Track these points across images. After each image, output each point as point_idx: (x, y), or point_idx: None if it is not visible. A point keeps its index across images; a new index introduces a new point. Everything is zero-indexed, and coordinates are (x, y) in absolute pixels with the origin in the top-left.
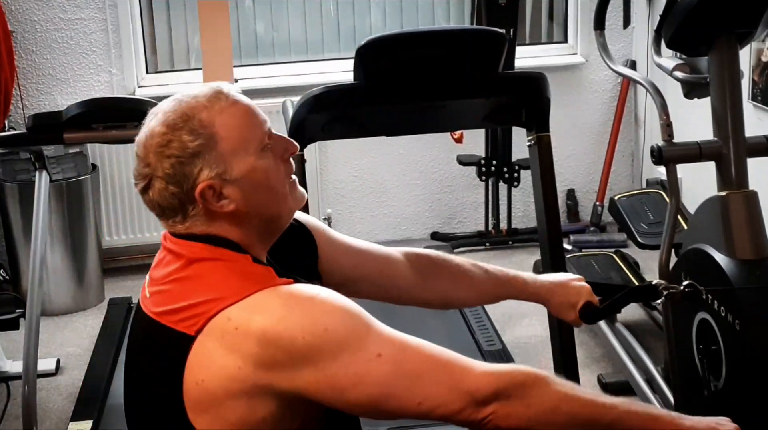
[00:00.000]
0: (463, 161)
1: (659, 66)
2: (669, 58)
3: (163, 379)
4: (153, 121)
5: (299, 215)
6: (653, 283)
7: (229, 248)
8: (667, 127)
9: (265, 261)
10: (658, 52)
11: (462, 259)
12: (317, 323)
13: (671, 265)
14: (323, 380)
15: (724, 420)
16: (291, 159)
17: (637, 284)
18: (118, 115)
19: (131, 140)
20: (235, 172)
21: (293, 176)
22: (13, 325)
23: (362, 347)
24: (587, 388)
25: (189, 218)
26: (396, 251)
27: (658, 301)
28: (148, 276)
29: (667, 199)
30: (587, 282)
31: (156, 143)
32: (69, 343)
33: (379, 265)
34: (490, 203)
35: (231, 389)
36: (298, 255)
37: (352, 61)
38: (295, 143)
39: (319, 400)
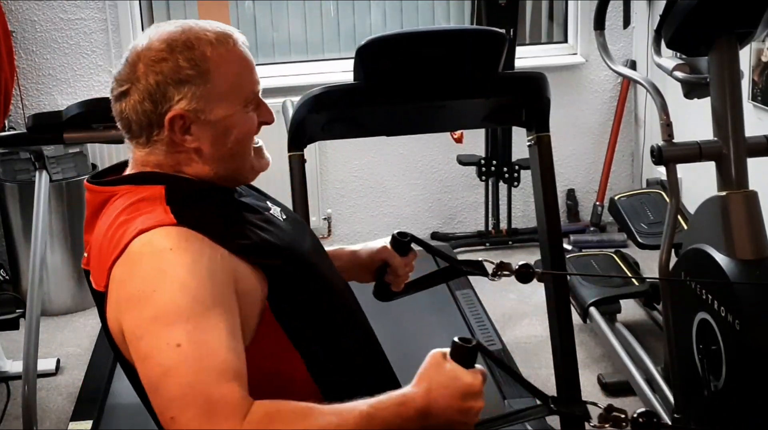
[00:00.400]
0: (463, 161)
1: (659, 66)
2: (669, 58)
3: (110, 344)
4: (154, 35)
5: None
6: (480, 260)
7: (145, 182)
8: (667, 127)
9: None
10: (658, 52)
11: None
12: (152, 280)
13: (671, 265)
14: (130, 336)
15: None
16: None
17: (636, 283)
18: None
19: None
20: (212, 115)
21: (260, 142)
22: (13, 325)
23: (170, 327)
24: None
25: (151, 143)
26: None
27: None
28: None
29: (667, 199)
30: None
31: (151, 56)
32: (69, 343)
33: None
34: (490, 203)
35: (119, 338)
36: None
37: (352, 61)
38: (273, 115)
39: None
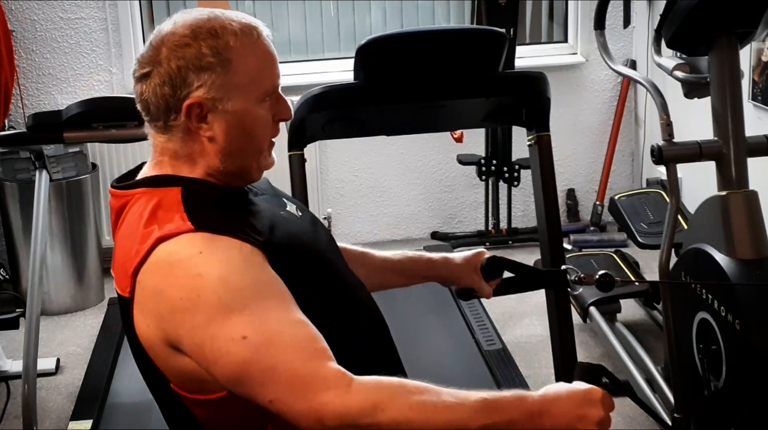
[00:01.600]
0: (463, 161)
1: (659, 66)
2: (669, 58)
3: (134, 348)
4: (180, 20)
5: None
6: (563, 268)
7: (161, 184)
8: (667, 126)
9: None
10: (658, 51)
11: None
12: (192, 287)
13: (671, 265)
14: (191, 346)
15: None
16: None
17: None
18: (118, 115)
19: (131, 140)
20: (229, 106)
21: (273, 140)
22: (13, 324)
23: (227, 323)
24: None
25: (169, 129)
26: None
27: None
28: None
29: (667, 199)
30: (495, 257)
31: (175, 41)
32: (69, 343)
33: None
34: (490, 203)
35: (156, 346)
36: None
37: (352, 61)
38: (291, 112)
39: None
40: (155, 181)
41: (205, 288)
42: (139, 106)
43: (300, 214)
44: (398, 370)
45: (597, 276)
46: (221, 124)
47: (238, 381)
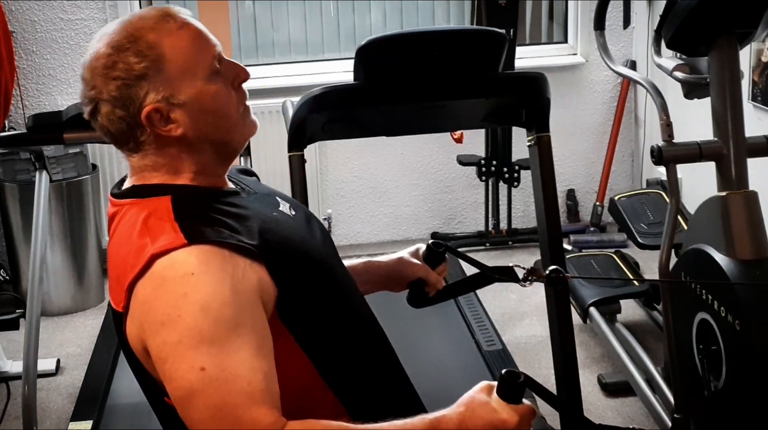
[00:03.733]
0: (463, 161)
1: (659, 66)
2: (669, 58)
3: (130, 361)
4: (99, 43)
5: None
6: (511, 265)
7: (148, 194)
8: (667, 127)
9: (224, 178)
10: (658, 52)
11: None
12: (175, 305)
13: (671, 265)
14: (156, 358)
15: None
16: (244, 87)
17: (636, 283)
18: None
19: None
20: (182, 96)
21: (247, 104)
22: (13, 325)
23: (194, 350)
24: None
25: (141, 147)
26: None
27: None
28: None
29: (667, 200)
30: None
31: (101, 65)
32: (69, 343)
33: None
34: (490, 203)
35: (142, 356)
36: None
37: (352, 61)
38: (247, 70)
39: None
40: (144, 191)
41: (186, 310)
42: (107, 139)
43: (293, 213)
44: (396, 367)
45: (547, 272)
46: (185, 117)
47: (180, 404)
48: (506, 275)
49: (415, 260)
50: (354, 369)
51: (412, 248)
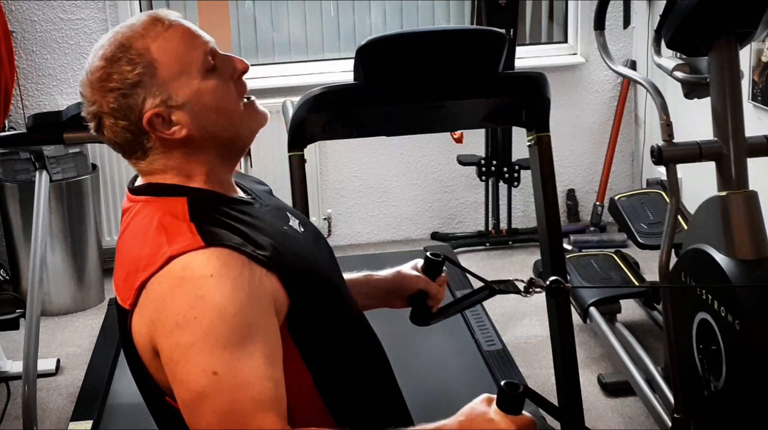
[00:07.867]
0: (463, 161)
1: (659, 66)
2: (669, 58)
3: (130, 359)
4: (93, 58)
5: None
6: (514, 279)
7: (164, 193)
8: (667, 127)
9: (233, 183)
10: (658, 52)
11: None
12: (192, 307)
13: (671, 265)
14: (166, 359)
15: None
16: (244, 79)
17: (637, 284)
18: None
19: None
20: (179, 97)
21: (251, 97)
22: (13, 325)
23: (207, 354)
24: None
25: (148, 153)
26: None
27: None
28: None
29: (667, 200)
30: (433, 253)
31: (97, 78)
32: (69, 343)
33: None
34: (490, 203)
35: (147, 354)
36: None
37: (352, 61)
38: (245, 62)
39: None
40: (160, 190)
41: (203, 313)
42: (116, 151)
43: (302, 229)
44: (392, 387)
45: (548, 283)
46: (186, 117)
47: (188, 407)
48: (507, 287)
49: (415, 272)
50: (352, 389)
51: (410, 263)
